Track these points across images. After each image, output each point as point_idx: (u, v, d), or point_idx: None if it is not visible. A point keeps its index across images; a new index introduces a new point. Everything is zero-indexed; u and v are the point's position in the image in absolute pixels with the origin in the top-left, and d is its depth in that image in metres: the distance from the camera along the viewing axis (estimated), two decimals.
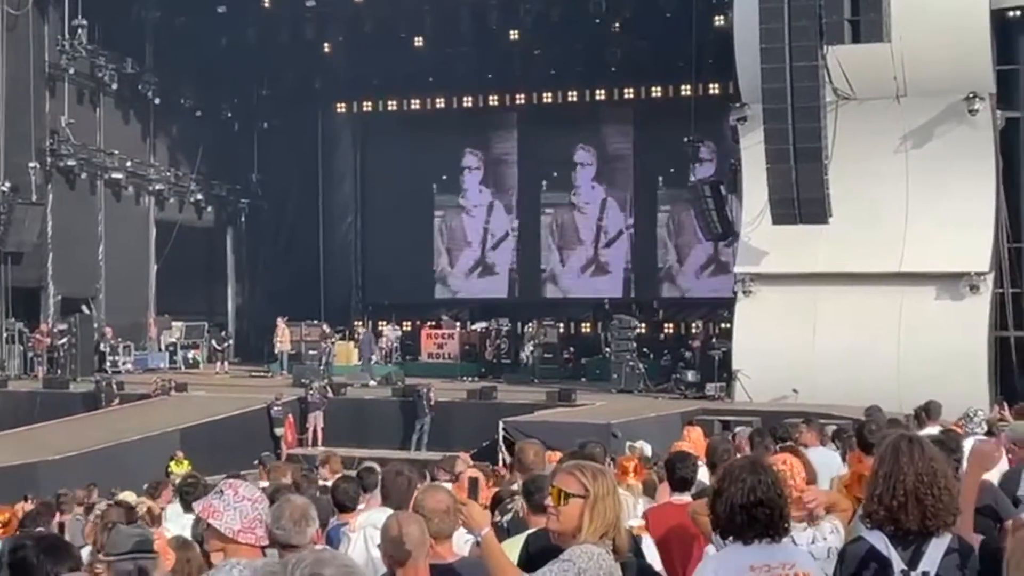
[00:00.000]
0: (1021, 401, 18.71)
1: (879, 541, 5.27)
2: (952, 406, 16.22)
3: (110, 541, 7.70)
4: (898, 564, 5.21)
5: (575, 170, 48.81)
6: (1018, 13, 30.16)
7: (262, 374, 41.16)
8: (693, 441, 14.93)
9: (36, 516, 11.98)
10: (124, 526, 7.63)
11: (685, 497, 8.71)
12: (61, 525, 11.94)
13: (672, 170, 45.88)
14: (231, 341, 46.13)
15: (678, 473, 8.83)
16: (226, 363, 43.50)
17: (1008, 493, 8.36)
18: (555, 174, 49.03)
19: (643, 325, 39.55)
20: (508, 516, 8.91)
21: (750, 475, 5.53)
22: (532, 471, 8.77)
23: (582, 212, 48.76)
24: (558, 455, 12.61)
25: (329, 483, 12.55)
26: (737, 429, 18.68)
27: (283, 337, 41.31)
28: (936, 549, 5.22)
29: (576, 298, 48.19)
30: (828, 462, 12.00)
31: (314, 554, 3.46)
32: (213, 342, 44.75)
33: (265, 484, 13.84)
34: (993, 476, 8.77)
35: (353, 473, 12.18)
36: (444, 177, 50.37)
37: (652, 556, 7.35)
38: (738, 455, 9.74)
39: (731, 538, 5.53)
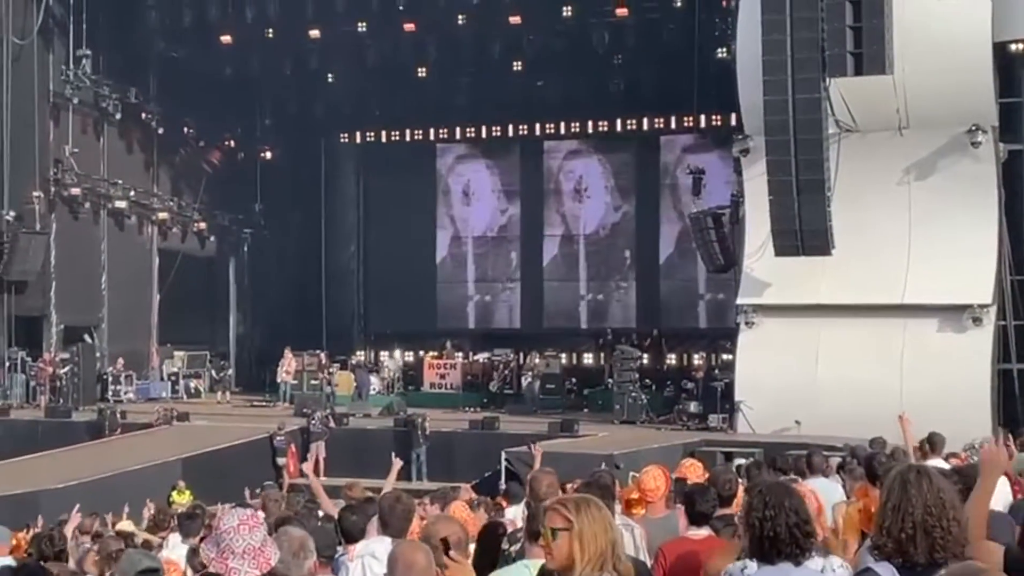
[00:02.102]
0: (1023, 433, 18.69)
1: (887, 573, 5.28)
2: (955, 438, 16.24)
3: (119, 568, 7.68)
4: None
5: (576, 199, 48.92)
6: (1020, 46, 30.23)
7: (264, 403, 41.11)
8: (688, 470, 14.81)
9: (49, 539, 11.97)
10: (134, 553, 7.61)
11: (702, 531, 8.64)
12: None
13: (674, 201, 46.04)
14: (231, 370, 46.06)
15: (697, 507, 8.73)
16: (228, 392, 43.52)
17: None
18: (557, 202, 49.20)
19: (645, 356, 39.56)
20: (516, 546, 8.87)
21: (788, 497, 5.63)
22: (545, 501, 8.71)
23: (579, 238, 48.92)
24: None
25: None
26: (737, 462, 18.55)
27: (289, 367, 41.25)
28: None
29: (580, 328, 48.29)
30: (830, 493, 12.00)
31: None
32: (212, 371, 44.71)
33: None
34: (997, 507, 8.76)
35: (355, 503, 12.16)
36: (445, 207, 50.60)
37: None
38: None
39: (779, 560, 5.60)
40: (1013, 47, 30.29)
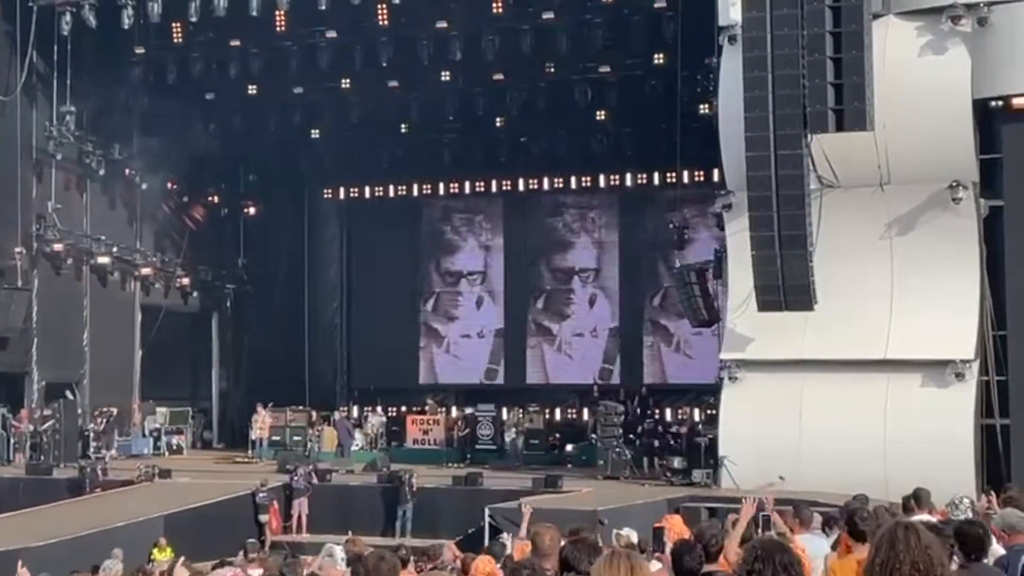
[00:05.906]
0: (1007, 489, 18.66)
1: None
2: (939, 493, 16.17)
3: None
4: None
5: (559, 254, 49.02)
6: (1000, 103, 30.35)
7: (246, 460, 40.89)
8: (672, 527, 14.80)
9: None
10: None
11: None
12: None
13: (658, 255, 46.14)
14: (190, 429, 45.64)
15: (685, 564, 8.67)
16: (184, 451, 43.62)
17: None
18: (540, 257, 49.29)
19: (629, 411, 39.49)
20: None
21: (780, 553, 5.62)
22: (549, 556, 8.67)
23: (569, 298, 48.94)
24: None
25: None
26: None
27: (263, 423, 41.16)
28: None
29: (563, 382, 48.25)
30: (817, 549, 12.00)
31: None
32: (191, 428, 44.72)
33: (259, 572, 13.81)
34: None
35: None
36: (429, 262, 50.63)
37: None
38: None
39: None
40: (992, 104, 30.41)
